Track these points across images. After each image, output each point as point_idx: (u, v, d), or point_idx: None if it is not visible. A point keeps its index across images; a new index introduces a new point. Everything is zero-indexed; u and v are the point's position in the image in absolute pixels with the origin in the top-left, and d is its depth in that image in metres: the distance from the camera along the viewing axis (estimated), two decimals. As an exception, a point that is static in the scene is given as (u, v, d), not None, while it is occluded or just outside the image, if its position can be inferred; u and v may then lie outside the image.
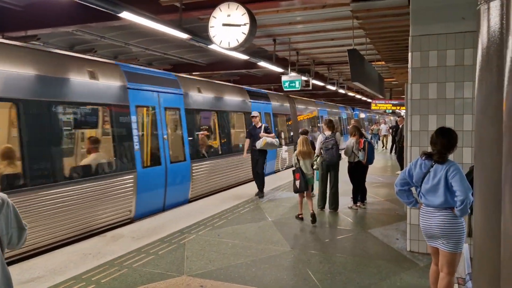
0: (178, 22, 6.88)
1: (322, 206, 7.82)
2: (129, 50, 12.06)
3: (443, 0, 5.09)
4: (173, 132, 9.13)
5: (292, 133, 16.29)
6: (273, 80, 17.24)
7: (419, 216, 3.74)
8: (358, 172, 7.94)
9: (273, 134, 9.42)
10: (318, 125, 20.19)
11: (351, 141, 7.85)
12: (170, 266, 4.89)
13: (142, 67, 8.87)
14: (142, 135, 8.00)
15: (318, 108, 21.28)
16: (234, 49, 6.27)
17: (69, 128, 6.76)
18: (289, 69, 12.06)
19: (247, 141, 9.45)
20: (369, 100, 25.98)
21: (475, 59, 1.82)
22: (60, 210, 6.02)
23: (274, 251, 5.46)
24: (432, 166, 3.53)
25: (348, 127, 25.02)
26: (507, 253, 1.40)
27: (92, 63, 7.12)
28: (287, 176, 11.29)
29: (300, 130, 10.51)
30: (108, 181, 6.92)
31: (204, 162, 9.82)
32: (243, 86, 13.53)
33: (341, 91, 18.45)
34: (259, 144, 8.94)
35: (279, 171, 14.11)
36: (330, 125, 7.81)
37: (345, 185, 8.42)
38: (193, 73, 14.39)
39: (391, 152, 19.48)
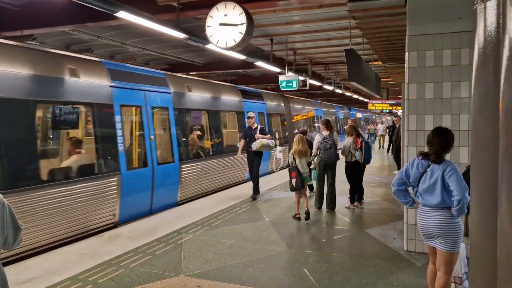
0: (175, 22, 6.87)
1: (319, 206, 7.82)
2: (126, 50, 12.03)
3: (439, 0, 5.10)
4: (161, 133, 8.86)
5: (287, 133, 16.08)
6: (270, 80, 17.23)
7: (416, 215, 3.75)
8: (355, 172, 7.95)
9: (269, 136, 9.25)
10: (315, 125, 20.14)
11: (348, 140, 7.86)
12: (167, 266, 4.88)
13: (128, 65, 8.58)
14: (127, 135, 7.74)
15: (314, 108, 21.06)
16: (231, 48, 6.26)
17: (45, 128, 6.46)
18: (286, 69, 12.05)
19: (242, 142, 9.33)
20: (366, 100, 25.99)
21: (472, 58, 1.82)
22: (36, 216, 5.66)
23: (271, 251, 5.46)
24: (429, 166, 3.54)
25: (345, 127, 25.09)
26: (504, 253, 1.40)
27: (73, 60, 6.76)
28: (283, 176, 11.29)
29: (299, 130, 10.51)
30: (90, 184, 6.57)
31: (194, 164, 9.50)
32: (236, 85, 13.28)
33: (338, 91, 18.46)
34: (255, 146, 8.81)
35: (273, 172, 13.87)
36: (328, 125, 7.85)
37: (342, 184, 8.43)
38: (190, 73, 14.36)
39: (388, 151, 19.51)
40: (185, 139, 9.45)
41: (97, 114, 6.93)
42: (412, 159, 3.75)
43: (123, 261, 5.04)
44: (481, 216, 1.75)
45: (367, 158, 7.82)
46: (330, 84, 16.71)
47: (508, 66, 1.39)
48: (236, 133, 12.03)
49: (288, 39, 10.49)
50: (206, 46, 7.72)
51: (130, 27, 9.07)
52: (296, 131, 17.34)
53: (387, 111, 24.91)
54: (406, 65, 5.34)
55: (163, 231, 6.33)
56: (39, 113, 6.36)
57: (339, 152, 7.95)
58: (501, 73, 1.44)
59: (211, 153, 10.45)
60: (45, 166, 6.18)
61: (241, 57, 9.53)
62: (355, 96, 23.81)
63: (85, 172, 6.63)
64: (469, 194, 3.28)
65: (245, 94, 12.86)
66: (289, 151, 14.61)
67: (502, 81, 1.43)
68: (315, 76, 15.88)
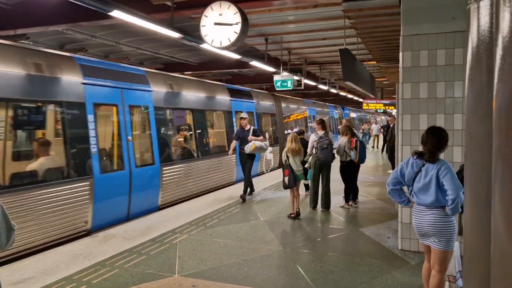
0: (169, 21, 6.85)
1: (314, 205, 7.84)
2: (120, 50, 11.99)
3: (433, 0, 5.12)
4: (140, 133, 8.36)
5: (277, 134, 15.74)
6: (265, 79, 17.24)
7: (411, 214, 3.76)
8: (350, 171, 7.97)
9: (261, 137, 9.08)
10: (310, 125, 20.03)
11: (343, 140, 7.88)
12: (162, 266, 4.87)
13: (103, 61, 8.08)
14: (101, 136, 7.30)
15: (307, 107, 20.64)
16: (226, 48, 6.25)
17: (6, 129, 5.90)
18: (281, 69, 12.06)
19: (234, 143, 9.18)
20: (361, 100, 26.07)
21: (465, 58, 1.83)
22: None
23: (266, 250, 5.46)
24: (423, 165, 3.56)
25: (339, 127, 25.09)
26: (497, 252, 1.41)
27: (39, 55, 6.29)
28: (276, 176, 11.28)
29: (292, 130, 10.49)
30: (58, 188, 6.09)
31: (177, 166, 9.03)
32: (224, 84, 12.90)
33: (333, 90, 18.50)
34: (248, 149, 8.69)
35: (263, 173, 13.49)
36: (323, 124, 7.88)
37: (337, 184, 8.45)
38: (185, 73, 14.33)
39: (382, 151, 19.58)
40: (167, 140, 9.09)
41: (67, 113, 6.44)
42: (407, 158, 3.76)
43: (118, 262, 5.02)
44: (474, 215, 1.76)
45: (362, 158, 7.84)
46: (325, 84, 16.74)
47: (502, 65, 1.39)
48: (224, 133, 11.67)
49: (283, 38, 10.50)
50: (200, 45, 7.72)
51: (124, 27, 9.04)
52: (289, 131, 17.28)
53: (382, 110, 25.00)
54: (400, 65, 5.35)
55: (158, 231, 6.31)
56: None
57: (334, 151, 7.96)
58: (495, 73, 1.44)
59: (196, 155, 10.00)
60: (5, 170, 5.67)
61: (236, 56, 9.52)
62: (350, 96, 23.88)
63: (53, 176, 6.19)
64: (463, 193, 3.31)
65: (233, 93, 12.45)
66: (280, 152, 14.65)
67: (495, 80, 1.44)
68: (310, 76, 15.90)
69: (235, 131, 11.57)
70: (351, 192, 8.08)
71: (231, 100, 12.09)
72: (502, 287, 1.38)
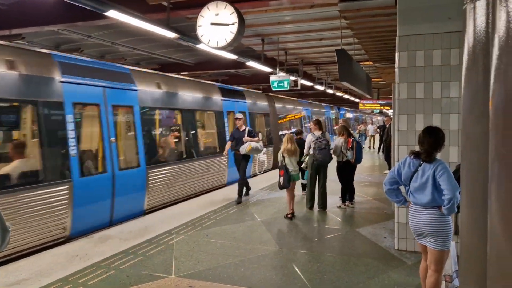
0: (165, 21, 6.83)
1: (310, 206, 7.84)
2: (116, 50, 11.94)
3: (429, 0, 5.13)
4: (124, 134, 8.01)
5: (271, 134, 15.49)
6: (262, 80, 17.22)
7: (407, 214, 3.77)
8: (346, 172, 7.98)
9: (257, 138, 8.98)
10: (306, 125, 19.98)
11: (339, 140, 7.89)
12: (159, 267, 4.85)
13: (84, 58, 7.64)
14: (82, 137, 7.01)
15: (301, 108, 20.31)
16: (223, 48, 6.24)
17: None
18: (278, 69, 12.05)
19: (229, 144, 9.05)
20: (357, 100, 26.11)
21: (461, 58, 1.83)
22: None
23: (263, 250, 5.45)
24: (420, 165, 3.57)
25: (335, 128, 25.08)
26: (494, 252, 1.41)
27: (12, 51, 5.98)
28: (274, 176, 11.26)
29: (295, 130, 10.44)
30: (33, 193, 5.78)
31: (165, 168, 8.72)
32: (215, 83, 12.56)
33: (329, 91, 18.52)
34: (243, 150, 8.58)
35: (256, 175, 13.23)
36: (320, 125, 7.89)
37: (333, 184, 8.45)
38: (181, 73, 14.30)
39: (378, 151, 19.62)
40: (154, 141, 8.79)
41: (44, 113, 6.12)
42: (404, 158, 3.77)
43: (114, 263, 5.00)
44: (471, 215, 1.76)
45: (358, 158, 7.86)
46: (321, 84, 16.75)
47: (498, 65, 1.39)
48: (214, 134, 11.36)
49: (280, 39, 10.49)
50: (197, 45, 7.69)
51: (121, 27, 9.00)
52: (286, 131, 17.17)
53: (378, 111, 25.05)
54: (396, 65, 5.37)
55: (154, 232, 6.29)
56: None
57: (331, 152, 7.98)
58: (491, 72, 1.44)
59: (185, 156, 9.67)
60: None
61: (233, 57, 9.51)
62: (346, 96, 23.90)
63: (28, 179, 5.87)
64: (459, 193, 3.31)
65: (224, 92, 12.17)
66: (273, 153, 14.61)
67: (492, 80, 1.44)
68: (306, 76, 15.90)
69: (226, 132, 11.44)
70: (347, 192, 8.09)
71: (223, 100, 11.81)
72: (500, 287, 1.38)
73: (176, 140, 9.77)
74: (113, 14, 5.84)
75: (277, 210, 7.75)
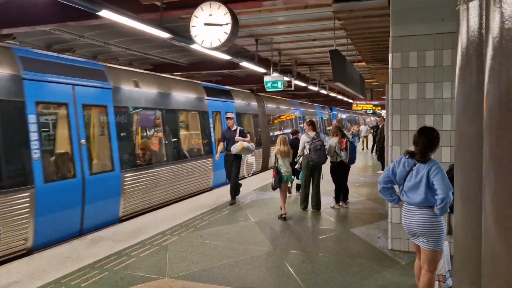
0: (159, 21, 6.80)
1: (304, 206, 7.84)
2: (109, 50, 11.88)
3: (422, 1, 5.16)
4: (96, 136, 7.51)
5: (260, 135, 14.98)
6: (256, 80, 17.21)
7: (401, 214, 3.78)
8: (340, 172, 7.99)
9: (248, 138, 8.77)
10: (301, 125, 19.95)
11: (333, 141, 7.90)
12: (152, 269, 4.83)
13: (50, 53, 7.07)
14: (46, 139, 6.59)
15: (292, 108, 19.90)
16: (216, 48, 6.23)
17: None
18: (272, 70, 12.06)
19: (221, 145, 8.76)
20: (351, 101, 26.19)
21: (454, 59, 1.84)
22: None
23: (257, 251, 5.45)
24: (415, 165, 3.59)
25: (328, 129, 25.10)
26: (488, 252, 1.41)
27: None
28: (268, 177, 11.24)
29: (290, 130, 10.40)
30: None
31: (142, 172, 8.15)
32: (200, 82, 12.00)
33: (323, 91, 18.56)
34: (235, 149, 8.35)
35: (244, 177, 12.60)
36: (313, 126, 7.91)
37: (327, 185, 8.47)
38: (175, 74, 14.26)
39: (372, 152, 19.69)
40: (130, 143, 8.20)
41: (0, 113, 5.62)
42: (399, 157, 3.79)
43: (107, 264, 4.97)
44: (465, 215, 1.76)
45: (352, 158, 7.88)
46: (315, 85, 16.78)
47: (492, 66, 1.40)
48: (199, 135, 10.90)
49: (273, 39, 10.49)
50: (190, 46, 7.67)
51: (113, 27, 8.95)
52: (276, 132, 17.08)
53: (371, 111, 25.15)
54: (390, 66, 5.38)
55: (148, 233, 6.26)
56: None
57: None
58: (485, 73, 1.45)
59: (165, 159, 9.15)
60: None
61: (226, 57, 9.49)
62: (340, 96, 23.97)
63: None
64: (452, 193, 3.33)
65: (210, 91, 11.63)
66: (263, 155, 14.51)
67: (486, 81, 1.45)
68: (300, 76, 15.93)
69: (212, 133, 11.06)
70: (341, 193, 8.11)
71: (208, 99, 11.31)
72: (495, 287, 1.39)
73: (156, 142, 9.32)
74: (105, 14, 5.80)
75: (271, 210, 7.74)
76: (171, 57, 13.37)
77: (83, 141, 6.81)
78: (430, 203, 3.50)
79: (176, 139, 9.71)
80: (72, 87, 6.73)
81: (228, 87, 13.73)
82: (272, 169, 7.34)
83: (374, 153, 17.89)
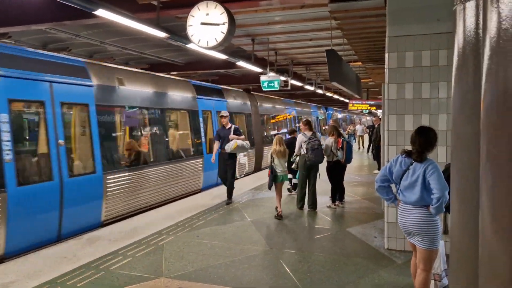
0: (155, 21, 6.79)
1: (301, 206, 7.85)
2: (105, 49, 11.85)
3: (419, 1, 5.17)
4: (76, 136, 7.12)
5: (253, 136, 14.60)
6: (252, 80, 17.22)
7: (397, 214, 3.79)
8: (336, 171, 8.01)
9: (243, 137, 8.66)
10: (297, 125, 19.91)
11: (329, 140, 7.91)
12: (148, 268, 4.81)
13: (24, 48, 6.77)
14: (20, 140, 6.21)
15: (287, 107, 19.59)
16: (213, 48, 6.22)
17: None
18: (268, 69, 12.06)
19: (216, 144, 8.64)
20: (347, 100, 26.24)
21: (450, 59, 1.85)
22: None
23: (253, 251, 5.45)
24: (411, 164, 3.60)
25: (323, 128, 25.10)
26: (486, 252, 1.42)
27: None
28: (264, 177, 11.21)
29: (288, 130, 10.35)
30: None
31: (126, 173, 7.78)
32: (189, 80, 11.57)
33: (319, 91, 18.59)
34: (229, 147, 8.23)
35: (237, 178, 11.95)
36: (310, 125, 7.93)
37: (323, 184, 8.48)
38: (171, 73, 14.24)
39: (368, 151, 19.75)
40: (113, 143, 7.80)
41: None
42: (396, 156, 3.80)
43: (103, 264, 4.95)
44: (461, 215, 1.77)
45: (348, 158, 7.90)
46: (311, 84, 16.81)
47: (489, 66, 1.40)
48: (188, 135, 10.49)
49: (270, 39, 10.50)
50: (187, 45, 7.67)
51: (109, 26, 8.92)
52: (270, 132, 16.98)
53: (367, 111, 25.21)
54: (386, 65, 5.40)
55: (144, 233, 6.24)
56: None
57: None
58: (482, 73, 1.45)
59: (152, 160, 8.79)
60: None
61: (223, 57, 9.49)
62: (336, 96, 24.02)
63: None
64: (448, 193, 3.34)
65: (200, 90, 11.24)
66: (255, 155, 14.40)
67: (483, 81, 1.45)
68: (296, 76, 15.94)
69: (202, 133, 10.75)
70: (337, 192, 8.12)
71: (198, 98, 10.92)
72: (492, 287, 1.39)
73: (142, 142, 8.89)
74: (102, 13, 5.79)
75: (267, 210, 7.75)
76: (167, 57, 13.35)
77: (61, 141, 6.41)
78: (426, 202, 3.51)
79: (163, 139, 9.42)
80: (50, 84, 6.37)
81: (219, 86, 13.40)
82: (267, 169, 7.37)
83: (370, 153, 17.95)
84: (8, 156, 5.57)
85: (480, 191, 1.47)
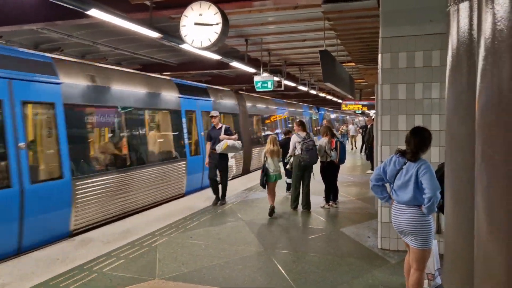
0: (148, 21, 6.76)
1: (295, 206, 7.85)
2: (98, 50, 11.77)
3: (412, 3, 5.20)
4: (40, 138, 6.64)
5: (241, 137, 13.74)
6: (245, 80, 17.19)
7: (390, 213, 3.81)
8: (330, 172, 8.02)
9: (235, 136, 8.47)
10: (290, 125, 19.89)
11: (323, 141, 7.93)
12: (142, 270, 4.79)
13: None
14: None
15: (277, 107, 19.10)
16: (207, 48, 6.21)
17: None
18: (261, 70, 12.06)
19: (208, 145, 8.43)
20: (340, 101, 26.30)
21: (443, 60, 1.86)
22: None
23: (247, 251, 5.44)
24: (405, 164, 3.62)
25: (316, 129, 25.12)
26: (481, 252, 1.42)
27: None
28: (257, 178, 11.16)
29: (284, 130, 10.30)
30: None
31: (99, 178, 7.22)
32: (171, 78, 11.04)
33: (313, 91, 18.61)
34: (219, 148, 8.06)
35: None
36: (303, 126, 7.94)
37: (317, 184, 8.49)
38: (164, 73, 14.18)
39: (361, 152, 19.82)
40: (83, 146, 7.29)
41: None
42: (390, 156, 3.82)
43: (96, 266, 4.92)
44: (456, 216, 1.77)
45: (342, 158, 7.92)
46: (304, 85, 16.83)
47: (484, 66, 1.41)
48: (170, 137, 10.03)
49: (263, 39, 10.49)
50: (180, 46, 7.64)
51: (102, 26, 8.86)
52: (270, 133, 16.90)
53: (360, 112, 25.30)
54: (379, 66, 5.42)
55: (137, 234, 6.21)
56: None
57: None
58: (477, 73, 1.46)
59: (128, 163, 8.22)
60: None
61: (216, 57, 9.47)
62: (329, 97, 24.08)
63: None
64: (440, 193, 3.36)
65: (183, 89, 10.69)
66: (243, 156, 14.22)
67: (478, 81, 1.46)
68: (289, 77, 15.96)
69: (184, 134, 10.36)
70: (331, 192, 8.14)
71: (181, 97, 10.37)
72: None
73: (117, 144, 8.37)
74: (94, 13, 5.75)
75: (261, 210, 7.74)
76: (160, 57, 13.30)
77: (21, 144, 5.82)
78: (418, 202, 3.53)
79: (142, 141, 8.94)
80: (9, 82, 5.79)
81: (204, 85, 12.95)
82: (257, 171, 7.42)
83: (363, 153, 18.01)
84: None
85: (475, 192, 1.48)
